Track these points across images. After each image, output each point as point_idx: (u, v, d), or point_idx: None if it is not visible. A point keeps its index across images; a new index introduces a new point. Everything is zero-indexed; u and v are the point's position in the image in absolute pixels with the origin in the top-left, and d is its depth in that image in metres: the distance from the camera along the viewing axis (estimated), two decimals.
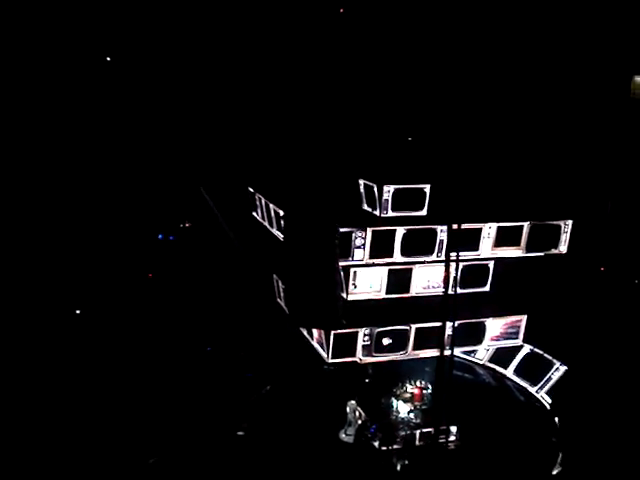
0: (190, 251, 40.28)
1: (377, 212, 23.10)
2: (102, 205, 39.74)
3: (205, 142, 38.73)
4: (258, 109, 34.86)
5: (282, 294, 25.48)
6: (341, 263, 19.64)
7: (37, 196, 38.46)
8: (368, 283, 22.58)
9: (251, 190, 26.31)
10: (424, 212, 22.93)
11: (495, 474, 21.59)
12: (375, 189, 22.91)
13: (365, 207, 23.92)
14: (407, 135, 26.35)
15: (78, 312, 34.91)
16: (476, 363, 30.31)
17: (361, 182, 23.95)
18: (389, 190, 22.66)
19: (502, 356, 29.29)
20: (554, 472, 23.33)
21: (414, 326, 23.09)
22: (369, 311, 23.68)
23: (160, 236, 40.74)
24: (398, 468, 25.64)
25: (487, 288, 23.52)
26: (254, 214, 26.89)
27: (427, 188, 22.83)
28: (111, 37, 36.61)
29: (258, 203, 25.22)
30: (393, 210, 22.94)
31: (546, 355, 28.32)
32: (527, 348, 28.46)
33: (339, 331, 22.36)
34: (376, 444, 24.31)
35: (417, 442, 25.56)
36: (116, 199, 40.11)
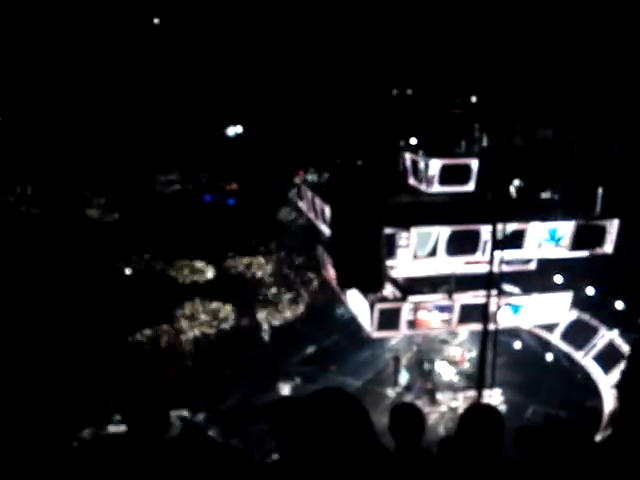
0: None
1: (423, 187, 22.96)
2: None
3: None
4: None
5: (327, 264, 25.67)
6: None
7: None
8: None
9: (297, 182, 26.41)
10: (471, 187, 22.69)
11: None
12: (422, 164, 22.71)
13: (411, 181, 23.77)
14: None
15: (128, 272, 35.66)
16: (521, 328, 30.29)
17: (407, 156, 23.72)
18: (436, 165, 22.43)
19: None
20: (598, 438, 23.45)
21: (458, 301, 23.11)
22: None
23: (208, 198, 41.05)
24: (441, 429, 26.24)
25: (533, 266, 23.38)
26: (300, 204, 26.88)
27: (474, 163, 22.51)
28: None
29: (304, 195, 25.22)
30: (440, 184, 22.76)
31: (592, 321, 28.07)
32: (573, 314, 28.16)
33: (384, 306, 22.54)
34: (418, 404, 24.58)
35: (461, 405, 26.04)
36: None
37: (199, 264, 37.42)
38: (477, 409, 5.68)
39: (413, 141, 26.46)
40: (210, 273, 37.47)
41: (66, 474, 4.37)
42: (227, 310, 34.28)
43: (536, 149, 24.76)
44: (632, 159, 26.80)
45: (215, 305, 34.36)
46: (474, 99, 26.96)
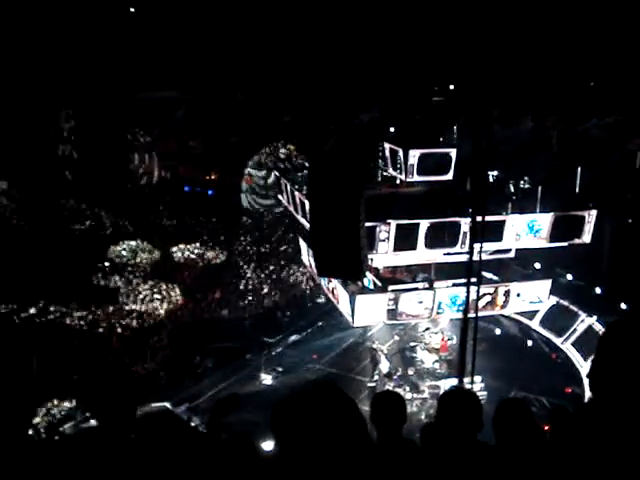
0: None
1: (402, 176, 22.98)
2: None
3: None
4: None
5: (307, 252, 25.62)
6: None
7: None
8: None
9: (277, 174, 26.32)
10: (449, 177, 22.74)
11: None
12: (401, 153, 22.69)
13: (390, 171, 23.79)
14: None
15: None
16: (501, 314, 30.43)
17: (386, 145, 23.71)
18: (415, 154, 22.41)
19: None
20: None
21: (438, 289, 23.19)
22: None
23: (187, 188, 40.85)
24: (423, 417, 26.35)
25: (512, 254, 23.45)
26: (280, 197, 26.81)
27: (453, 152, 22.55)
28: None
29: (284, 188, 25.11)
30: (418, 174, 22.76)
31: (572, 307, 28.25)
32: (553, 300, 28.28)
33: (364, 296, 22.55)
34: (400, 392, 24.66)
35: (442, 392, 26.07)
36: None
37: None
38: (453, 393, 5.73)
39: (392, 130, 26.46)
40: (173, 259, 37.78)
41: (48, 468, 4.34)
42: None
43: (514, 137, 24.84)
44: (612, 145, 26.97)
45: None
46: (452, 87, 27.01)
